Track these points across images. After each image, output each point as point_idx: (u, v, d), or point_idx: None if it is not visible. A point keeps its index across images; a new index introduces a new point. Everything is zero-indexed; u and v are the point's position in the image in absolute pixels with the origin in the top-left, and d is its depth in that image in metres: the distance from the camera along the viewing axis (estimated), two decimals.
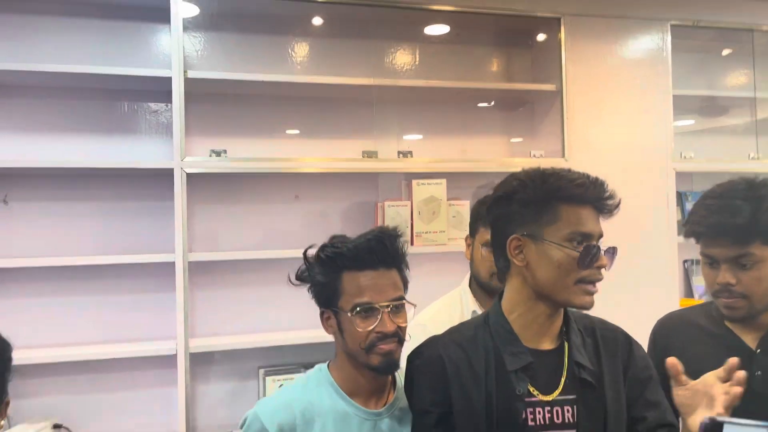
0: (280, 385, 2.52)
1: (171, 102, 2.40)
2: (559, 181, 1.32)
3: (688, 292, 3.29)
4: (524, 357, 1.34)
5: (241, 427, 1.42)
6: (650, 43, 3.02)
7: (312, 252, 1.45)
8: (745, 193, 1.48)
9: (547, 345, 1.38)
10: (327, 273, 1.41)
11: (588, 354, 1.38)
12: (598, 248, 1.31)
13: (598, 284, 1.33)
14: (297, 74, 2.73)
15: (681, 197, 3.22)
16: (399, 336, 1.38)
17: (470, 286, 2.04)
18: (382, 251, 1.39)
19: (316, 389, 1.42)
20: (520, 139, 3.11)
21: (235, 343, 2.51)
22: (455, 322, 1.85)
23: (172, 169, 2.38)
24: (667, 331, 1.69)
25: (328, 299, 1.41)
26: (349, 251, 1.38)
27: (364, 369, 1.40)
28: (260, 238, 2.70)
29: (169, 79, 2.40)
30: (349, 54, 2.85)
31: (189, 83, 2.43)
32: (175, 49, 2.40)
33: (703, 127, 3.56)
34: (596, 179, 1.35)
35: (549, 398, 1.33)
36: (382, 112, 2.83)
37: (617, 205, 1.35)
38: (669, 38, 3.03)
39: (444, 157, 2.83)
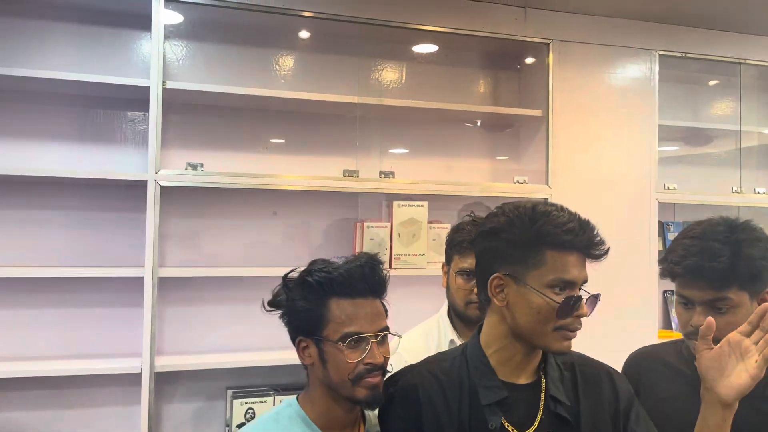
0: (247, 410, 2.45)
1: (149, 112, 2.34)
2: (547, 226, 1.28)
3: (667, 323, 3.27)
4: (499, 391, 1.32)
5: None
6: (638, 73, 3.01)
7: (293, 275, 1.38)
8: (725, 235, 1.46)
9: (524, 379, 1.35)
10: (311, 299, 1.33)
11: (566, 389, 1.36)
12: (579, 298, 1.28)
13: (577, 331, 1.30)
14: (280, 88, 2.68)
15: (663, 227, 3.21)
16: (385, 368, 1.34)
17: (448, 314, 1.99)
18: (372, 279, 1.34)
19: (288, 427, 1.34)
20: (504, 161, 3.08)
21: (203, 363, 2.43)
22: (432, 351, 1.81)
23: (145, 182, 2.31)
24: (638, 368, 1.68)
25: (309, 327, 1.33)
26: (341, 277, 1.31)
27: (345, 402, 1.34)
28: (236, 255, 2.64)
29: (147, 89, 2.33)
30: (334, 70, 2.81)
31: (168, 93, 2.37)
32: (154, 58, 2.34)
33: (687, 156, 3.55)
34: (587, 224, 1.31)
35: None
36: (365, 130, 2.78)
37: (606, 252, 1.31)
38: (657, 68, 3.02)
39: (426, 178, 2.78)
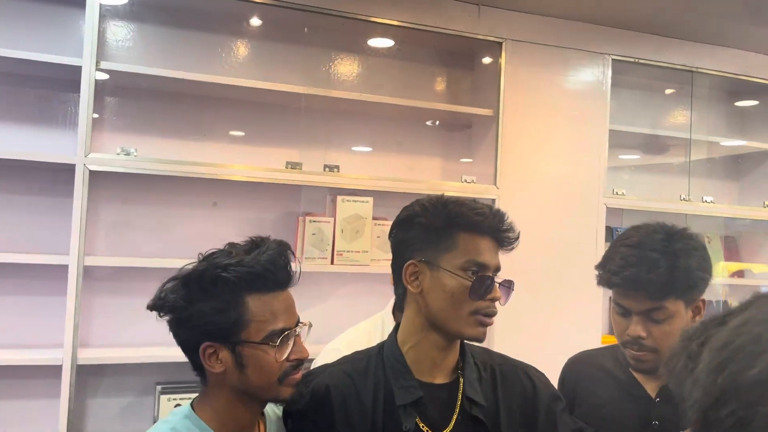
0: (176, 406, 2.36)
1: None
2: (459, 208, 1.30)
3: (611, 328, 3.27)
4: (414, 391, 1.29)
5: None
6: (590, 76, 3.00)
7: (193, 272, 1.19)
8: (662, 245, 1.45)
9: (441, 379, 1.33)
10: (224, 297, 1.17)
11: (484, 390, 1.34)
12: (492, 280, 1.29)
13: (494, 318, 1.29)
14: (223, 75, 2.59)
15: (611, 232, 3.21)
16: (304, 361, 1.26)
17: (394, 312, 1.95)
18: (288, 268, 1.23)
19: None
20: (454, 160, 3.04)
21: (131, 357, 2.34)
22: None
23: (74, 165, 2.21)
24: (576, 373, 1.68)
25: (221, 330, 1.17)
26: (261, 269, 1.18)
27: (259, 406, 1.25)
28: (171, 246, 2.54)
29: (78, 69, 2.23)
30: (282, 59, 2.73)
31: (102, 74, 2.27)
32: (88, 36, 2.24)
33: (638, 163, 3.57)
34: (497, 210, 1.33)
35: None
36: (311, 122, 2.72)
37: (516, 238, 1.33)
38: (609, 73, 3.01)
39: (372, 174, 2.73)
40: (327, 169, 2.58)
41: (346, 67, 2.86)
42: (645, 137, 3.41)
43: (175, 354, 2.47)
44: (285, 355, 1.19)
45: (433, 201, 1.33)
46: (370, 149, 2.90)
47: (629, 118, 3.19)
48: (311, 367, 1.95)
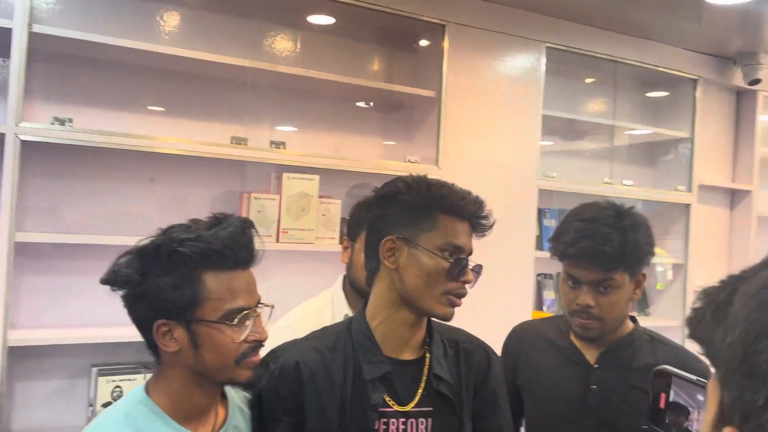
0: (114, 389, 2.28)
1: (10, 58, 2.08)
2: (442, 190, 1.33)
3: (539, 305, 3.44)
4: (382, 366, 1.31)
5: None
6: (526, 62, 3.11)
7: (149, 246, 1.15)
8: (614, 220, 1.55)
9: (408, 355, 1.36)
10: (181, 273, 1.13)
11: (449, 366, 1.38)
12: (467, 262, 1.33)
13: (461, 299, 1.34)
14: (164, 45, 2.48)
15: (540, 214, 3.36)
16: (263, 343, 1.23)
17: (344, 288, 1.96)
18: (250, 246, 1.20)
19: (145, 428, 1.16)
20: (397, 141, 3.07)
21: (64, 338, 2.22)
22: (325, 325, 1.77)
23: (3, 135, 2.06)
24: (518, 340, 1.78)
25: (176, 307, 1.13)
26: (221, 245, 1.14)
27: (216, 387, 1.21)
28: (106, 222, 2.42)
29: (9, 31, 2.07)
30: (225, 31, 2.65)
31: (36, 39, 2.12)
32: None
33: (565, 149, 3.74)
34: (477, 197, 1.37)
35: (405, 409, 1.31)
36: (257, 97, 2.66)
37: (491, 226, 1.37)
38: (544, 60, 3.13)
39: (318, 152, 2.71)
40: (273, 145, 2.54)
41: (288, 43, 2.81)
42: (573, 123, 3.58)
43: (112, 334, 2.39)
44: (243, 336, 1.16)
45: (417, 180, 1.35)
46: (312, 127, 2.88)
47: (559, 105, 3.33)
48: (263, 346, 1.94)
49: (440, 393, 1.34)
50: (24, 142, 2.09)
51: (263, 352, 1.33)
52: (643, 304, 3.69)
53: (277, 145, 2.55)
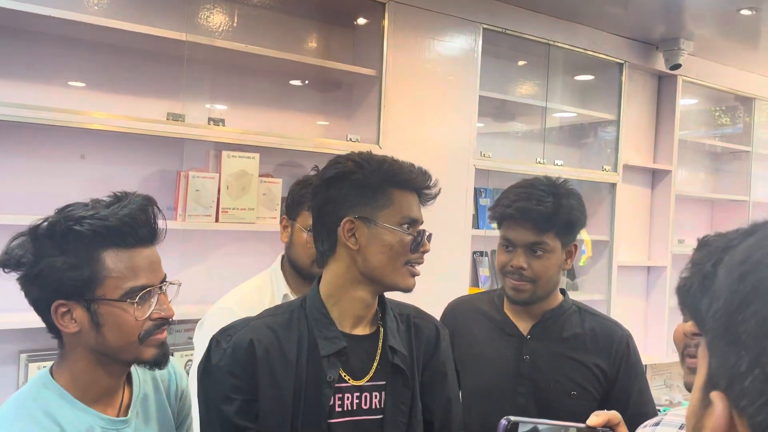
0: None
1: None
2: (393, 167, 1.36)
3: (475, 282, 3.53)
4: (338, 342, 1.32)
5: None
6: (464, 43, 3.15)
7: (44, 226, 1.12)
8: (548, 187, 1.67)
9: (362, 330, 1.38)
10: (78, 253, 1.11)
11: (402, 340, 1.41)
12: (425, 233, 1.38)
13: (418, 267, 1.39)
14: (92, 14, 2.35)
15: (476, 192, 3.43)
16: (171, 321, 1.22)
17: (282, 268, 1.95)
18: (151, 223, 1.19)
19: (52, 409, 1.13)
20: (338, 119, 3.05)
21: None
22: (265, 306, 1.76)
23: None
24: (454, 313, 1.86)
25: (74, 287, 1.11)
26: (120, 223, 1.13)
27: (121, 367, 1.20)
28: (32, 202, 2.29)
29: None
30: (160, 3, 2.54)
31: None
32: None
33: (500, 130, 3.83)
34: (422, 169, 1.41)
35: (359, 383, 1.33)
36: (194, 72, 2.57)
37: (437, 194, 1.42)
38: (480, 41, 3.18)
39: (258, 130, 2.66)
40: (212, 122, 2.47)
41: (225, 16, 2.73)
42: (507, 104, 3.66)
43: (39, 319, 2.29)
44: (146, 314, 1.16)
45: (366, 158, 1.36)
46: (252, 104, 2.82)
47: (494, 86, 3.40)
48: (200, 328, 1.91)
49: (394, 366, 1.36)
50: None
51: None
52: (571, 276, 3.85)
53: (216, 122, 2.48)
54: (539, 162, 3.51)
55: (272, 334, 1.32)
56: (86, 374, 1.17)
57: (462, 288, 3.17)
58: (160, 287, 1.19)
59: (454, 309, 1.88)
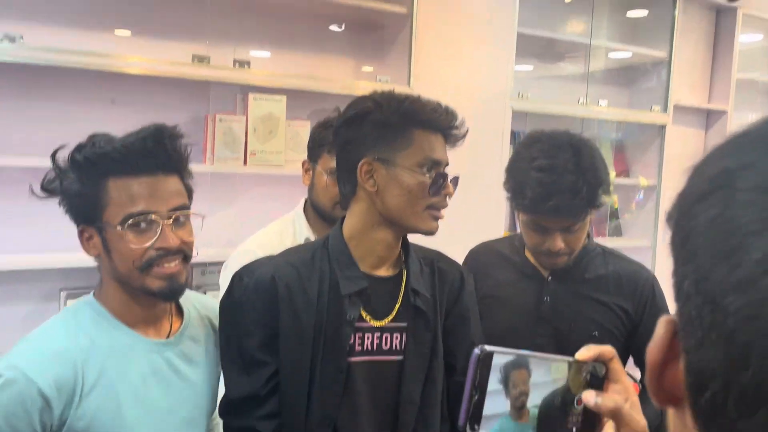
0: None
1: None
2: (414, 105, 1.30)
3: (512, 226, 3.46)
4: (359, 282, 1.32)
5: None
6: None
7: (64, 154, 1.21)
8: (574, 164, 1.51)
9: (385, 272, 1.37)
10: (85, 180, 1.18)
11: (425, 283, 1.39)
12: (447, 176, 1.33)
13: (443, 211, 1.35)
14: None
15: (514, 136, 3.33)
16: (185, 253, 1.22)
17: (305, 211, 1.95)
18: (161, 153, 1.19)
19: (89, 326, 1.20)
20: (367, 61, 2.99)
21: (32, 263, 2.20)
22: (287, 248, 1.77)
23: None
24: (476, 256, 1.85)
25: (87, 213, 1.19)
26: (117, 152, 1.16)
27: (140, 295, 1.22)
28: (65, 145, 2.35)
29: None
30: None
31: None
32: None
33: (540, 70, 3.67)
34: (449, 108, 1.34)
35: (380, 324, 1.33)
36: (220, 13, 2.54)
37: (464, 135, 1.36)
38: None
39: (285, 72, 2.62)
40: (237, 64, 2.45)
41: None
42: (549, 43, 3.49)
43: (77, 258, 2.37)
44: (146, 243, 1.17)
45: (386, 97, 1.32)
46: (279, 47, 2.78)
47: (535, 23, 3.24)
48: (225, 269, 1.94)
49: (416, 308, 1.35)
50: None
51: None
52: (614, 216, 3.72)
53: (242, 64, 2.46)
54: (581, 103, 3.36)
55: (294, 271, 1.33)
56: (116, 298, 1.23)
57: (496, 233, 3.10)
58: (169, 217, 1.19)
59: (476, 253, 1.86)
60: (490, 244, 1.89)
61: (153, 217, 1.18)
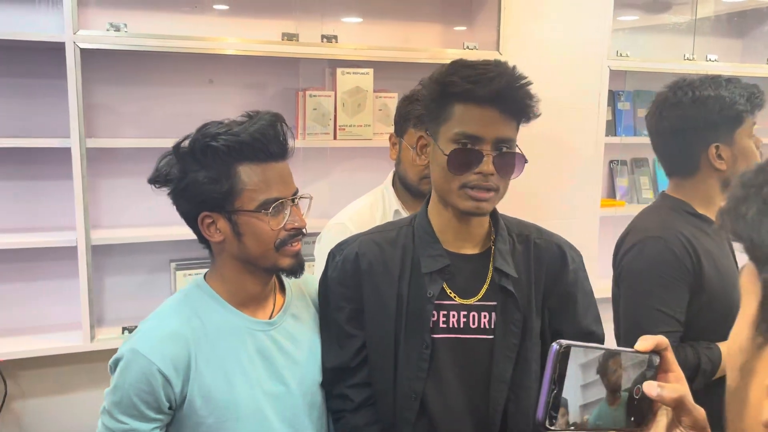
0: None
1: None
2: (453, 77, 1.22)
3: (611, 192, 3.32)
4: (441, 260, 1.32)
5: (113, 369, 1.23)
6: None
7: (185, 144, 1.24)
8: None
9: (470, 249, 1.35)
10: (217, 167, 1.21)
11: (516, 262, 1.34)
12: (476, 152, 1.22)
13: (488, 192, 1.25)
14: None
15: (613, 96, 3.17)
16: (303, 231, 1.30)
17: (393, 184, 1.97)
18: (280, 140, 1.25)
19: (200, 308, 1.28)
20: (455, 26, 2.93)
21: (142, 236, 2.38)
22: (377, 222, 1.80)
23: (63, 43, 2.12)
24: (677, 234, 1.60)
25: (216, 200, 1.22)
26: (251, 139, 1.21)
27: (264, 274, 1.30)
28: (169, 126, 2.50)
29: None
30: None
31: None
32: None
33: (643, 23, 3.45)
34: (503, 76, 1.20)
35: (467, 302, 1.32)
36: None
37: (526, 107, 1.23)
38: None
39: (372, 44, 2.63)
40: (324, 39, 2.48)
41: None
42: None
43: (186, 231, 2.52)
44: (281, 224, 1.24)
45: (436, 72, 1.28)
46: (365, 18, 2.78)
47: None
48: (318, 242, 2.00)
49: (504, 288, 1.31)
50: (83, 50, 2.15)
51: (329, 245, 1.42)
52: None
53: (329, 39, 2.49)
54: (688, 58, 3.13)
55: (378, 248, 1.36)
56: (233, 280, 1.28)
57: (594, 200, 3.00)
58: (293, 200, 1.27)
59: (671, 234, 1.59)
60: (668, 221, 1.63)
61: (284, 201, 1.25)
